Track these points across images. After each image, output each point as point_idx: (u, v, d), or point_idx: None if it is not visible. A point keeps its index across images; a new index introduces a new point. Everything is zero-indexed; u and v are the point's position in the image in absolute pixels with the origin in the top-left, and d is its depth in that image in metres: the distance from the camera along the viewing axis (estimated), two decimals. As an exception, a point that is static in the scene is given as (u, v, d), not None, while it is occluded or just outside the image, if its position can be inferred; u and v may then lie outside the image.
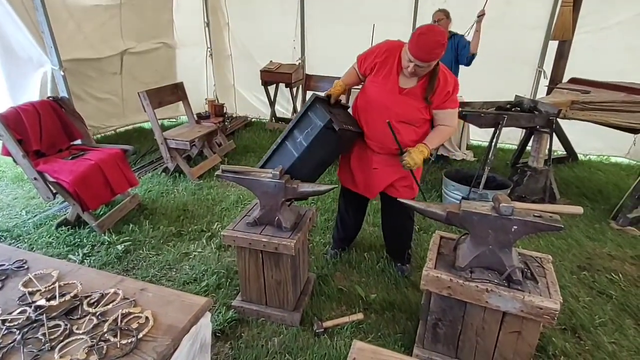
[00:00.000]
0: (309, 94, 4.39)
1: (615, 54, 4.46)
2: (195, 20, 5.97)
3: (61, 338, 1.09)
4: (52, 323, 1.13)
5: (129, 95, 5.01)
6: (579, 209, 1.63)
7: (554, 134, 3.39)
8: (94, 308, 1.20)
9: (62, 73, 3.86)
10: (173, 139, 3.92)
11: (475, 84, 4.02)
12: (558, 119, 3.47)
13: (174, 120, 6.04)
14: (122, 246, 2.85)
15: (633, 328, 2.23)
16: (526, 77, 4.97)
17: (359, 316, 2.22)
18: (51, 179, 2.85)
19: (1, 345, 1.05)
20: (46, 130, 3.04)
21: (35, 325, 1.13)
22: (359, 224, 2.83)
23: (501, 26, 4.53)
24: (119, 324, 1.14)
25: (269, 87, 5.64)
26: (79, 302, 1.22)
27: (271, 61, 5.57)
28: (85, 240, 2.93)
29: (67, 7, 4.16)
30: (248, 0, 5.84)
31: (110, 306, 1.21)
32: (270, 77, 5.41)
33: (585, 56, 4.40)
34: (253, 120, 6.28)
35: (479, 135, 5.27)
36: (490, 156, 3.24)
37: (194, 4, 5.87)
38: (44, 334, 1.09)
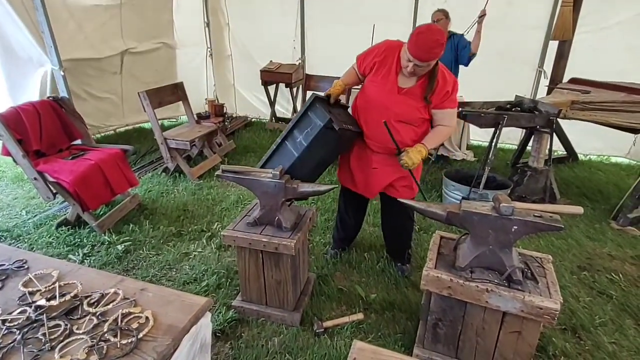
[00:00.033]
0: (309, 94, 4.38)
1: (615, 54, 4.46)
2: (195, 20, 5.97)
3: (61, 338, 1.09)
4: (52, 323, 1.13)
5: (129, 95, 5.01)
6: (579, 209, 1.63)
7: (554, 134, 3.39)
8: (94, 308, 1.20)
9: (62, 73, 3.86)
10: (173, 139, 3.92)
11: (475, 84, 4.03)
12: (558, 119, 3.47)
13: (174, 120, 6.04)
14: (122, 246, 2.85)
15: (633, 328, 2.23)
16: (526, 77, 4.97)
17: (359, 316, 2.22)
18: (51, 179, 2.85)
19: (1, 345, 1.05)
20: (46, 130, 3.04)
21: (35, 325, 1.13)
22: (359, 224, 2.83)
23: (501, 26, 4.53)
24: (119, 324, 1.14)
25: (269, 87, 5.65)
26: (79, 302, 1.22)
27: (271, 61, 5.57)
28: (85, 240, 2.93)
29: (67, 7, 4.16)
30: (248, 1, 5.85)
31: (110, 306, 1.21)
32: (270, 77, 5.42)
33: (585, 56, 4.40)
34: (253, 120, 6.28)
35: (479, 135, 5.27)
36: (490, 156, 3.24)
37: (194, 4, 5.87)
38: (44, 334, 1.09)
